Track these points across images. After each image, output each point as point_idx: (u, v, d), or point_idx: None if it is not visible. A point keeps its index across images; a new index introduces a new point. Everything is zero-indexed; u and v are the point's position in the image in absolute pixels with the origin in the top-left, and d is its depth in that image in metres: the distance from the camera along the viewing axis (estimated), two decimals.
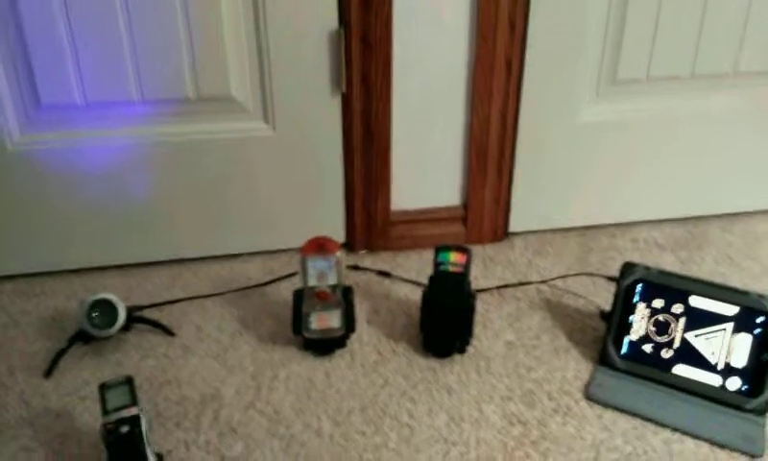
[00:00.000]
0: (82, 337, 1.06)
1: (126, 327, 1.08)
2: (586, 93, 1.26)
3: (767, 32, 1.24)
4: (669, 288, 1.00)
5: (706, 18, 1.21)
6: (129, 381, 0.85)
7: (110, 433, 0.82)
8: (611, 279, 1.16)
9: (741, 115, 1.31)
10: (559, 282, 1.22)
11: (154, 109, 1.16)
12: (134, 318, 1.10)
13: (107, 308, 1.05)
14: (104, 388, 0.85)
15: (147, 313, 1.13)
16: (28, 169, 1.16)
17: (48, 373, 1.03)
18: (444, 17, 1.16)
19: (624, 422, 0.95)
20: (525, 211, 1.34)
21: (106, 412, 0.84)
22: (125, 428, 0.83)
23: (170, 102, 1.16)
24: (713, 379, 0.98)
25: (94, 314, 1.05)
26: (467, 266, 1.04)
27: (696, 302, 0.99)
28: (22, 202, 1.18)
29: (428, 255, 1.14)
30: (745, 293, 0.97)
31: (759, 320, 0.95)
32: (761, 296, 0.96)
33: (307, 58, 1.15)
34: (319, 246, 1.03)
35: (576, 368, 1.04)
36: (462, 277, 1.04)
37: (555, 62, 1.21)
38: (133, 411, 0.84)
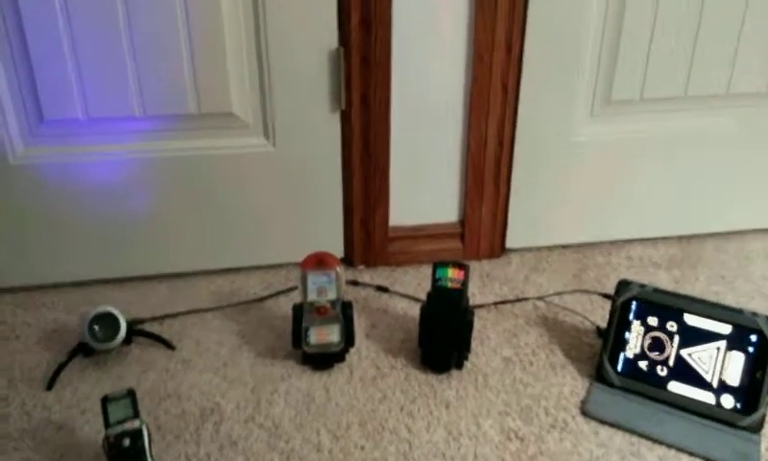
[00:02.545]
0: (83, 350, 1.07)
1: (127, 341, 1.08)
2: (581, 113, 1.28)
3: (759, 54, 1.27)
4: (664, 306, 1.02)
5: (698, 41, 1.24)
6: (131, 394, 0.86)
7: (113, 446, 0.83)
8: (606, 296, 1.18)
9: (734, 135, 1.33)
10: (555, 299, 1.24)
11: (155, 124, 1.18)
12: (135, 331, 1.11)
13: (108, 322, 1.06)
14: (106, 401, 0.85)
15: (147, 327, 1.14)
16: (30, 182, 1.17)
17: (49, 385, 1.04)
18: (443, 39, 1.19)
19: (620, 438, 0.97)
20: (522, 228, 1.36)
21: (108, 425, 0.84)
22: (127, 441, 0.83)
23: (172, 118, 1.17)
24: (708, 397, 0.99)
25: (95, 327, 1.05)
26: (464, 282, 1.05)
27: (690, 320, 1.00)
28: (24, 215, 1.19)
29: (426, 271, 1.15)
30: (738, 311, 0.98)
31: (753, 338, 0.97)
32: (754, 314, 0.97)
33: (307, 76, 1.17)
34: (319, 261, 1.04)
35: (573, 384, 1.05)
36: (459, 292, 1.05)
37: (550, 83, 1.23)
38: (136, 424, 0.84)
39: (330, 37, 1.15)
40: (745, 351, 0.97)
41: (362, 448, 0.95)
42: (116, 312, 1.06)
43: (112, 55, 1.11)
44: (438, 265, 1.07)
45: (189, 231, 1.26)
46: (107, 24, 1.08)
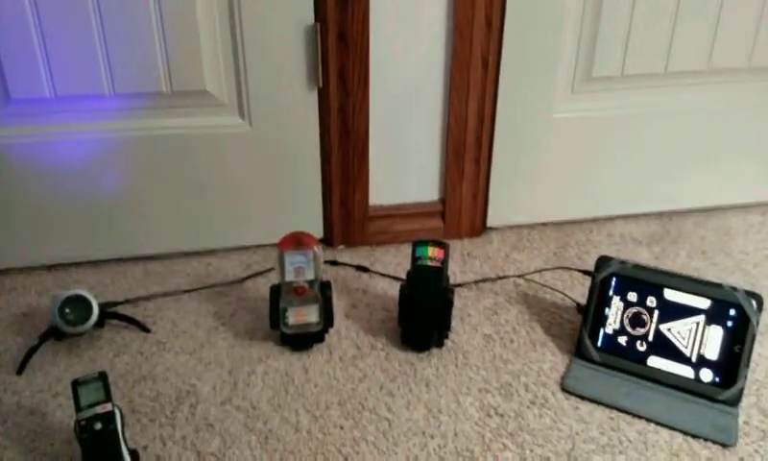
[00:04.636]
0: (54, 334, 1.04)
1: (99, 324, 1.06)
2: (561, 90, 1.27)
3: (739, 29, 1.26)
4: (643, 282, 1.01)
5: (678, 16, 1.23)
6: (102, 377, 0.84)
7: (84, 430, 0.81)
8: (586, 272, 1.17)
9: (714, 112, 1.33)
10: (536, 276, 1.23)
11: (126, 103, 1.15)
12: (108, 314, 1.09)
13: (79, 304, 1.04)
14: (76, 384, 0.83)
15: (121, 309, 1.12)
16: None
17: (20, 370, 1.01)
18: (421, 13, 1.17)
19: (600, 413, 0.96)
20: (503, 206, 1.35)
21: (79, 409, 0.82)
22: (99, 425, 0.81)
23: (143, 96, 1.14)
24: (687, 371, 0.99)
25: (67, 310, 1.03)
26: (444, 260, 1.04)
27: (670, 295, 1.00)
28: None
29: (406, 250, 1.14)
30: (717, 286, 0.98)
31: (731, 312, 0.97)
32: (734, 288, 0.97)
33: (283, 53, 1.14)
34: (296, 241, 1.03)
35: (553, 360, 1.05)
36: (439, 271, 1.04)
37: (531, 60, 1.22)
38: (107, 407, 0.83)
39: (306, 13, 1.12)
40: (724, 326, 0.97)
41: (341, 427, 0.94)
42: (88, 295, 1.04)
43: (80, 30, 1.07)
44: (417, 244, 1.06)
45: (164, 213, 1.23)
46: None
